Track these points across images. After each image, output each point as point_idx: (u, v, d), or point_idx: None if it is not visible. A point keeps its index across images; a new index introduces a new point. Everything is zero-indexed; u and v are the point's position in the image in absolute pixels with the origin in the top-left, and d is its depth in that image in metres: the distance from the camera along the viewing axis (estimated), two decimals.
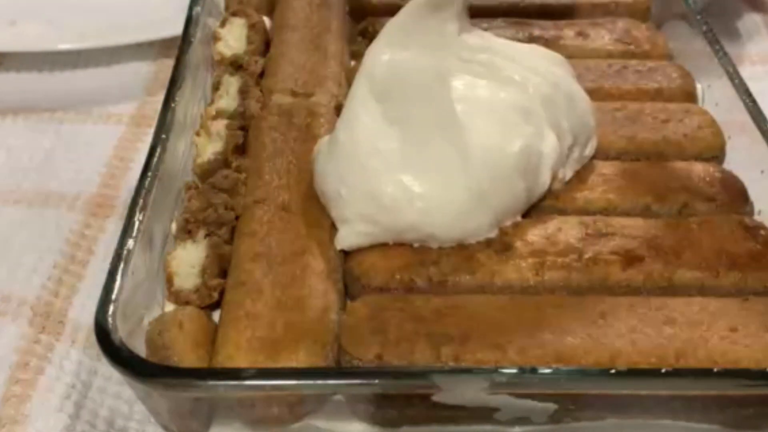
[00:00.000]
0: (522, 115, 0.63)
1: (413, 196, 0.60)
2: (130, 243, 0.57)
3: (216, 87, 0.75)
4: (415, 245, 0.61)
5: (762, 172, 0.67)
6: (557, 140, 0.64)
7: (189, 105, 0.72)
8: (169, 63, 0.76)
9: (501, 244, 0.62)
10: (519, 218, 0.64)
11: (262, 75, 0.78)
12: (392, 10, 0.86)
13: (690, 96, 0.77)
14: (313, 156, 0.65)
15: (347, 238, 0.61)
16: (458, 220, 0.60)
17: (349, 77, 0.78)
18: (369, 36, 0.83)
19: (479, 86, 0.64)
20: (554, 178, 0.65)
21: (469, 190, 0.60)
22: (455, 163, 0.60)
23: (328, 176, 0.62)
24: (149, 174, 0.62)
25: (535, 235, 0.62)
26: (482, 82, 0.64)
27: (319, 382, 0.52)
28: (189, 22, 0.78)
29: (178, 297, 0.60)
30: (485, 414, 0.54)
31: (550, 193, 0.66)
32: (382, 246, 0.61)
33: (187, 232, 0.63)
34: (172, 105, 0.68)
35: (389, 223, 0.60)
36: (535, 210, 0.66)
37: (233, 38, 0.80)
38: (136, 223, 0.59)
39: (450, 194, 0.60)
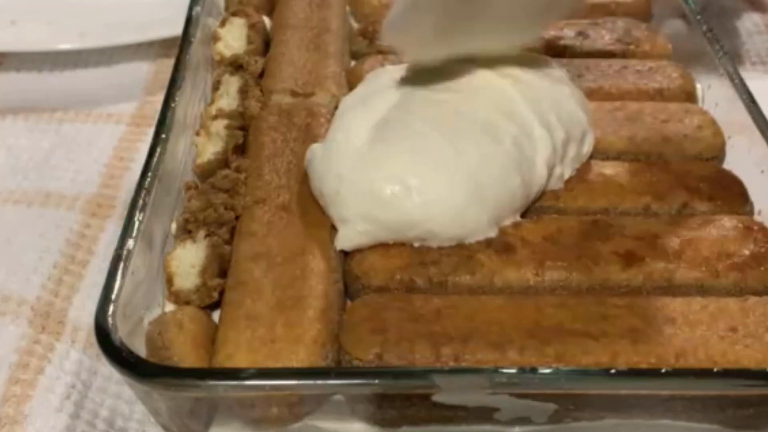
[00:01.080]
0: (505, 115, 0.64)
1: (412, 190, 0.60)
2: (130, 243, 0.57)
3: (216, 87, 0.75)
4: (416, 245, 0.61)
5: (762, 172, 0.67)
6: (548, 134, 0.65)
7: (189, 105, 0.72)
8: (168, 63, 0.76)
9: (501, 244, 0.62)
10: (519, 218, 0.64)
11: (262, 75, 0.78)
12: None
13: (690, 96, 0.77)
14: (306, 162, 0.66)
15: (347, 238, 0.61)
16: (457, 214, 0.60)
17: (349, 77, 0.78)
18: (369, 36, 0.83)
19: (458, 97, 0.65)
20: (551, 174, 0.65)
21: (466, 184, 0.61)
22: (451, 159, 0.61)
23: (326, 177, 0.62)
24: (149, 174, 0.62)
25: (535, 235, 0.62)
26: (459, 93, 0.66)
27: (319, 382, 0.52)
28: (189, 22, 0.78)
29: (178, 297, 0.60)
30: (485, 414, 0.54)
31: (549, 192, 0.66)
32: (382, 246, 0.61)
33: (187, 232, 0.63)
34: (172, 105, 0.68)
35: (389, 220, 0.60)
36: (535, 210, 0.66)
37: (233, 38, 0.80)
38: (136, 223, 0.59)
39: (448, 189, 0.60)
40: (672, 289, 0.60)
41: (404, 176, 0.60)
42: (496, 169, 0.62)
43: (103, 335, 0.52)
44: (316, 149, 0.65)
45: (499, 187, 0.62)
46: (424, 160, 0.61)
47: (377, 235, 0.61)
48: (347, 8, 0.88)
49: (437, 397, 0.52)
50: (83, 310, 0.71)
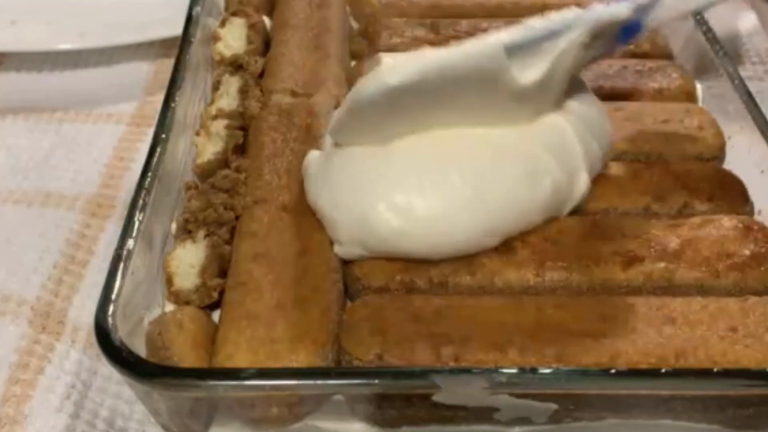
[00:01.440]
0: (553, 154, 0.61)
1: (411, 228, 0.58)
2: (130, 243, 0.57)
3: (216, 87, 0.75)
4: None
5: (762, 172, 0.67)
6: (589, 176, 0.64)
7: (189, 105, 0.72)
8: (168, 63, 0.76)
9: (501, 245, 0.61)
10: None
11: (262, 75, 0.78)
12: (392, 11, 0.87)
13: (690, 96, 0.77)
14: (303, 169, 0.65)
15: (344, 253, 0.61)
16: (462, 247, 0.60)
17: (349, 77, 0.78)
18: (369, 36, 0.83)
19: (498, 130, 0.62)
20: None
21: (478, 226, 0.59)
22: (465, 196, 0.59)
23: (322, 198, 0.61)
24: (149, 174, 0.62)
25: (535, 235, 0.62)
26: (503, 125, 0.62)
27: (319, 382, 0.52)
28: (189, 22, 0.78)
29: (178, 297, 0.60)
30: (485, 414, 0.54)
31: None
32: None
33: (187, 232, 0.63)
34: (172, 105, 0.68)
35: (386, 251, 0.60)
36: None
37: (233, 38, 0.80)
38: (136, 223, 0.59)
39: (456, 227, 0.59)
40: (672, 289, 0.60)
41: (405, 211, 0.58)
42: (516, 209, 0.60)
43: (103, 335, 0.52)
44: (311, 161, 0.64)
45: (517, 226, 0.61)
46: (430, 195, 0.59)
47: (373, 255, 0.61)
48: (347, 8, 0.88)
49: (437, 397, 0.52)
50: (83, 310, 0.71)
